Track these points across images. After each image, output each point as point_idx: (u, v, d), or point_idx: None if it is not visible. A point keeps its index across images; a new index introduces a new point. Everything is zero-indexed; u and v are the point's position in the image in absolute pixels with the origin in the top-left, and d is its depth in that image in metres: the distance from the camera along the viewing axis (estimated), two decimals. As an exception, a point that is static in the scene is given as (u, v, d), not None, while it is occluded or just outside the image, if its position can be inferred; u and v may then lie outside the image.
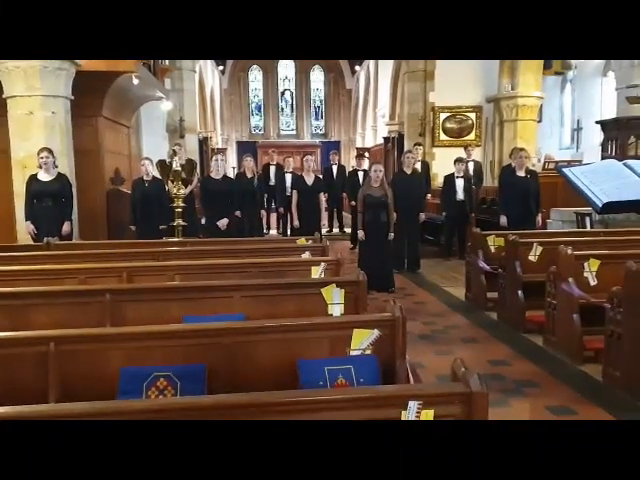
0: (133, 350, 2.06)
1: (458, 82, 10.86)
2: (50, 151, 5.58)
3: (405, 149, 9.51)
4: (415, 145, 9.05)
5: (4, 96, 5.92)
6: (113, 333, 2.16)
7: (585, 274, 3.79)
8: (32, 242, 5.40)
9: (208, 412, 1.43)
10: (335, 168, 10.44)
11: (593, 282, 3.78)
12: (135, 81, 7.13)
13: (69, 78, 6.10)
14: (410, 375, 2.12)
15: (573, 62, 12.11)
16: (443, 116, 11.15)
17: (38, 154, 5.52)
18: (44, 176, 5.58)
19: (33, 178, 5.59)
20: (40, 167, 5.56)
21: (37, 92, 5.82)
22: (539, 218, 6.31)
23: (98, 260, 3.98)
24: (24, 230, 5.73)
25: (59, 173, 5.69)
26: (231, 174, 10.10)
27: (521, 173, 6.30)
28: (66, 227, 5.63)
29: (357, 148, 17.61)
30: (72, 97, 6.21)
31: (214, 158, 6.78)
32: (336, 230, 10.95)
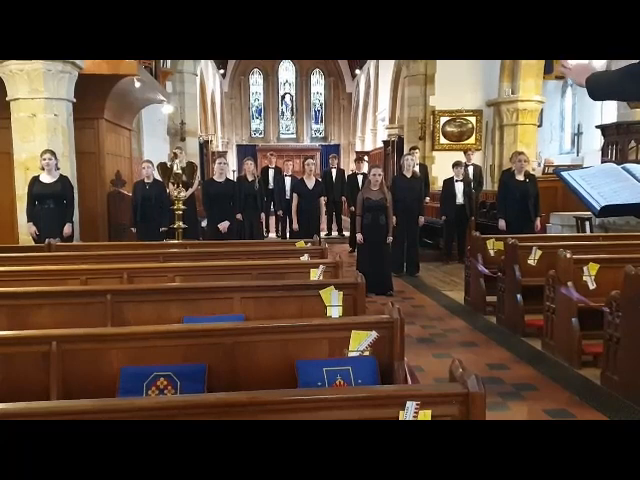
0: (134, 350, 2.07)
1: (458, 86, 10.89)
2: (53, 153, 5.61)
3: (404, 153, 9.52)
4: (411, 149, 9.01)
5: (7, 99, 5.95)
6: (114, 333, 2.17)
7: (584, 278, 3.80)
8: (34, 243, 5.42)
9: (209, 410, 1.44)
10: (334, 172, 10.46)
11: (592, 286, 3.79)
12: (137, 84, 7.16)
13: (71, 81, 6.14)
14: (408, 377, 2.13)
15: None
16: (443, 120, 11.17)
17: (41, 156, 5.56)
18: (46, 178, 5.61)
19: (35, 180, 5.62)
20: (42, 169, 5.60)
21: (40, 95, 5.86)
22: (537, 222, 6.32)
23: (99, 261, 3.99)
24: (26, 231, 5.76)
25: (61, 175, 5.72)
26: (231, 177, 10.13)
27: (520, 177, 6.32)
28: (67, 229, 5.66)
29: (356, 152, 17.65)
30: (74, 100, 6.25)
31: (217, 161, 6.81)
32: (335, 233, 10.97)
